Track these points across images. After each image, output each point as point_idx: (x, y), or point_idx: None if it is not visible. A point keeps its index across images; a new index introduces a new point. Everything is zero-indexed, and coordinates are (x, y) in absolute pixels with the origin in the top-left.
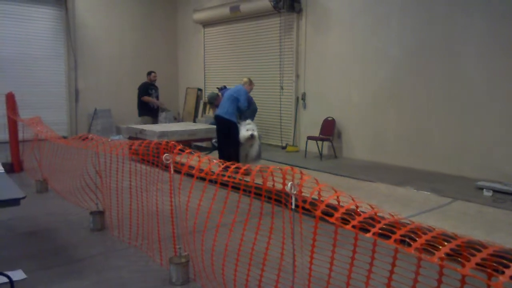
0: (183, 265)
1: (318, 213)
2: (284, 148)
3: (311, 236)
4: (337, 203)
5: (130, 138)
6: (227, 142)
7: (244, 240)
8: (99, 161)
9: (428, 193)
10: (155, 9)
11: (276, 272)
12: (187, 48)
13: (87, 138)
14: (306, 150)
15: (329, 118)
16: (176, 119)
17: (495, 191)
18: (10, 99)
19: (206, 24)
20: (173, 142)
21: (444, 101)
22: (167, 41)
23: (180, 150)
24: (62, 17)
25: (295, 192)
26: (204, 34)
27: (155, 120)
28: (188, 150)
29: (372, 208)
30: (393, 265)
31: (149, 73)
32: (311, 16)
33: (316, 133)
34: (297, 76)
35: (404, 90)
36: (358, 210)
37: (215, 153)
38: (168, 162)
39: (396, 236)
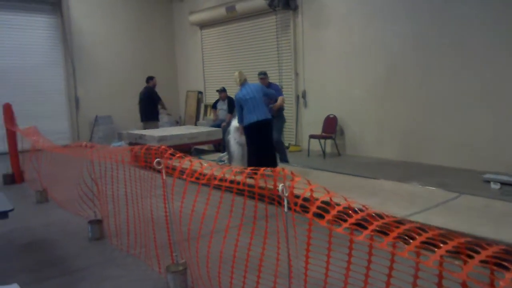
0: (181, 273)
1: (310, 215)
2: (287, 148)
3: (305, 239)
4: (330, 204)
5: (130, 143)
6: (270, 142)
7: (239, 246)
8: (94, 169)
9: (434, 188)
10: (151, 13)
11: (272, 278)
12: (185, 50)
13: (81, 146)
14: (308, 149)
15: (331, 116)
16: (178, 123)
17: (503, 183)
18: (7, 110)
19: (203, 25)
20: (164, 147)
21: (448, 91)
22: (165, 44)
23: (171, 154)
24: (58, 24)
25: (286, 194)
26: (201, 35)
27: (158, 125)
28: (179, 155)
29: (366, 208)
30: (391, 268)
31: (151, 78)
32: (308, 12)
33: (318, 131)
34: (296, 74)
35: (406, 83)
36: (351, 210)
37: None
38: (160, 167)
39: (393, 235)
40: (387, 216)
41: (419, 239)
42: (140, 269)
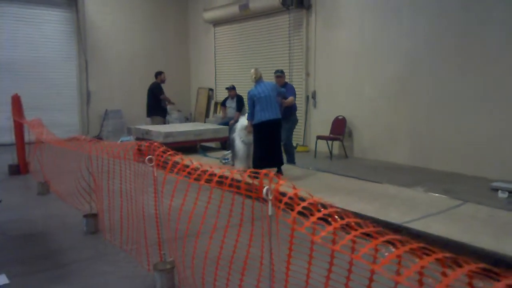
0: (168, 272)
1: (290, 221)
2: (294, 148)
3: (290, 241)
4: (311, 209)
5: (137, 139)
6: (278, 143)
7: (225, 248)
8: (92, 163)
9: (437, 195)
10: (166, 9)
11: (255, 283)
12: (198, 47)
13: (78, 139)
14: (315, 150)
15: (340, 117)
16: (188, 120)
17: (511, 192)
18: (16, 101)
19: (216, 23)
20: (156, 144)
21: (459, 97)
22: (179, 41)
23: (162, 152)
24: (73, 19)
25: (270, 197)
26: (214, 33)
27: (164, 121)
28: (170, 152)
29: (348, 216)
30: (371, 280)
31: (159, 73)
32: (321, 12)
33: (326, 132)
34: (307, 74)
35: (417, 87)
36: (332, 218)
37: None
38: (151, 164)
39: (370, 246)
40: (366, 225)
41: (396, 252)
42: (130, 266)
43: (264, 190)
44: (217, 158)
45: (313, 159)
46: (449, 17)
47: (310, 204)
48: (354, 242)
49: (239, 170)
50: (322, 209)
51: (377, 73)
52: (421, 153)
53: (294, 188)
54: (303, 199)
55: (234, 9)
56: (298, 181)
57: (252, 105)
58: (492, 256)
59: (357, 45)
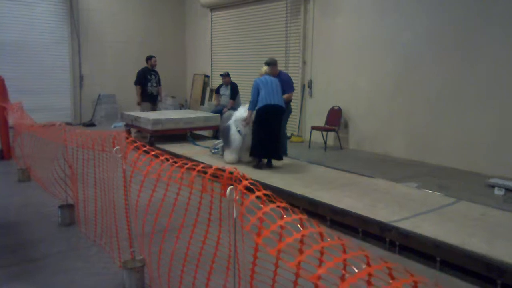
0: (137, 271)
1: (258, 239)
2: (289, 138)
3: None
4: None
5: (126, 125)
6: (278, 132)
7: (191, 249)
8: (67, 151)
9: (431, 191)
10: None
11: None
12: (195, 32)
13: (54, 125)
14: (310, 141)
15: (335, 107)
16: (184, 107)
17: (508, 189)
18: (0, 84)
19: (213, 7)
20: (125, 134)
21: (457, 90)
22: (175, 25)
23: (131, 142)
24: (66, 0)
25: (233, 197)
26: (211, 18)
27: (154, 107)
28: (138, 143)
29: (317, 225)
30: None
31: (149, 58)
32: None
33: (322, 122)
34: (304, 62)
35: (415, 79)
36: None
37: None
38: (120, 156)
39: (321, 271)
40: (330, 239)
41: (365, 271)
42: (101, 262)
43: (228, 190)
44: (207, 148)
45: (307, 150)
46: (450, 9)
47: (271, 210)
48: (322, 253)
49: (228, 162)
50: (285, 216)
51: (375, 64)
52: (418, 147)
53: (260, 188)
54: (267, 202)
55: None
56: (288, 173)
57: (257, 93)
58: (482, 260)
59: (355, 35)
